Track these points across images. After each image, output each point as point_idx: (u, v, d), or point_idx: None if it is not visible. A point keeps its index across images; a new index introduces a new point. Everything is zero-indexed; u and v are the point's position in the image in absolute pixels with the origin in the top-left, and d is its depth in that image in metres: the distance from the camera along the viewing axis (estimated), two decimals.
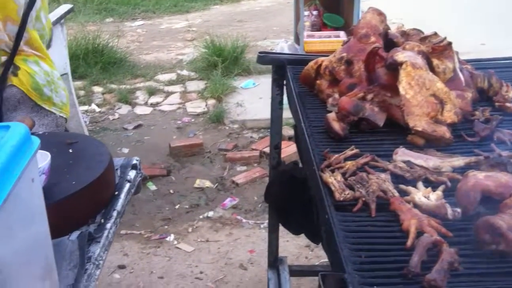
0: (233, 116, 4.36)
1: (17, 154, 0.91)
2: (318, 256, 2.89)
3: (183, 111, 4.56)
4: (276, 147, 1.94)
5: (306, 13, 4.25)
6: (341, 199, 1.13)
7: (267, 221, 3.23)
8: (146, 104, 4.69)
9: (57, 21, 3.45)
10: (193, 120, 4.41)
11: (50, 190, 1.28)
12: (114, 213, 1.40)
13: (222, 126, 4.28)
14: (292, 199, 1.96)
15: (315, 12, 4.34)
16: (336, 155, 1.27)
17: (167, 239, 3.10)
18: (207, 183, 3.59)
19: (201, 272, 2.84)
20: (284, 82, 1.85)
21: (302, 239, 2.82)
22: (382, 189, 1.15)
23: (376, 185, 1.15)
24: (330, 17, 4.37)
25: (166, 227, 3.20)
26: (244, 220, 3.23)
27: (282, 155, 3.69)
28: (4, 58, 1.77)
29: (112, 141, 4.06)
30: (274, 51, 4.40)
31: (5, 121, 1.79)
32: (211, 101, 4.60)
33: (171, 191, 3.52)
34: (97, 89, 4.85)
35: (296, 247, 2.93)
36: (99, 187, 1.39)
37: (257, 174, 3.62)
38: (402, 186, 1.17)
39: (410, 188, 1.16)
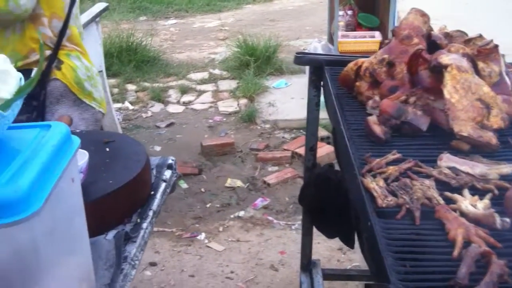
0: (265, 115, 4.34)
1: (58, 153, 0.91)
2: (350, 259, 2.85)
3: (215, 110, 4.56)
4: (311, 149, 1.91)
5: (341, 12, 4.20)
6: (384, 205, 1.09)
7: (298, 222, 3.22)
8: (178, 102, 4.71)
9: (92, 19, 3.48)
10: (224, 119, 4.41)
11: (87, 189, 1.27)
12: (150, 213, 1.39)
13: (254, 125, 4.26)
14: (327, 202, 1.92)
15: (349, 12, 4.29)
16: (378, 160, 1.24)
17: (198, 237, 3.10)
18: (238, 183, 3.58)
19: (231, 272, 2.83)
20: (322, 83, 1.82)
21: (334, 242, 2.78)
22: (427, 196, 1.11)
23: (420, 192, 1.11)
24: (365, 17, 4.31)
25: (197, 225, 3.20)
26: (275, 221, 3.21)
27: None
28: (48, 53, 1.80)
29: (145, 139, 4.08)
30: (310, 51, 4.36)
31: (47, 114, 1.83)
32: (243, 101, 4.59)
33: (203, 189, 3.52)
34: (131, 87, 4.89)
35: (327, 250, 2.89)
36: (136, 186, 1.38)
37: (288, 174, 3.59)
38: (448, 194, 1.13)
39: (456, 196, 1.12)
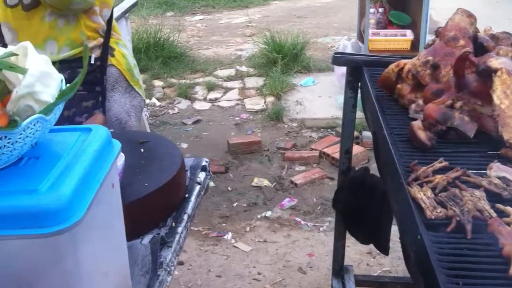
0: (292, 114, 4.29)
1: (99, 158, 0.88)
2: (380, 263, 2.79)
3: (242, 107, 4.52)
4: (347, 152, 1.87)
5: (372, 10, 4.12)
6: (433, 217, 1.04)
7: (326, 224, 3.17)
8: (205, 99, 4.69)
9: (122, 15, 3.47)
10: (251, 117, 4.37)
11: (122, 191, 1.25)
12: (185, 217, 1.36)
13: (281, 124, 4.22)
14: (362, 206, 1.88)
15: (381, 10, 4.21)
16: (424, 168, 1.19)
17: (225, 237, 3.07)
18: (265, 182, 3.54)
19: (259, 273, 2.79)
20: (359, 84, 1.77)
21: (363, 245, 2.73)
22: (478, 208, 1.05)
23: (471, 204, 1.05)
24: (396, 15, 4.23)
25: (223, 224, 3.18)
26: (302, 222, 3.17)
27: None
28: (101, 40, 1.87)
29: (171, 136, 4.07)
30: (339, 49, 4.29)
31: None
32: (270, 98, 4.54)
33: (229, 188, 3.49)
34: (158, 83, 4.89)
35: (357, 253, 2.84)
36: (171, 189, 1.36)
37: (316, 175, 3.54)
38: (500, 206, 1.07)
39: (509, 209, 1.06)
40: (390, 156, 1.25)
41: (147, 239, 1.24)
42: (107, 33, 1.90)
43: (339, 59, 1.72)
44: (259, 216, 3.23)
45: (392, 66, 1.56)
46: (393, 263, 2.78)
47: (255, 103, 4.54)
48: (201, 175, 1.55)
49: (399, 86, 1.54)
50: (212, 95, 4.73)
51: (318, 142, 3.90)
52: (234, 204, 3.35)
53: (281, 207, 3.31)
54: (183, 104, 4.60)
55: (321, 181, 3.50)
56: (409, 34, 4.03)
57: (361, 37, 4.30)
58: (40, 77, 0.82)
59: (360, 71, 1.71)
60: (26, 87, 0.80)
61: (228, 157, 3.83)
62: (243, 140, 3.94)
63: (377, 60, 1.70)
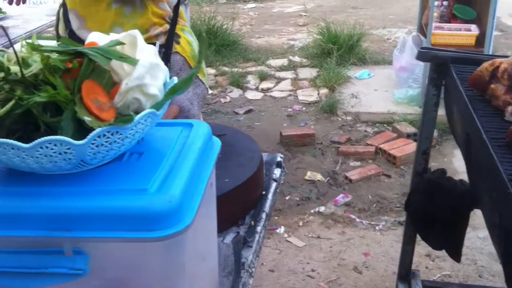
0: (347, 107, 4.19)
1: (202, 156, 0.83)
2: (439, 267, 2.69)
3: (294, 98, 4.44)
4: (424, 153, 1.77)
5: (436, 3, 3.96)
6: None
7: (382, 223, 3.07)
8: (257, 89, 4.63)
9: (182, 1, 3.43)
10: (304, 108, 4.29)
11: None
12: (263, 215, 1.31)
13: (335, 117, 4.12)
14: (436, 211, 1.78)
15: (445, 3, 4.05)
16: None
17: (277, 231, 3.01)
18: (319, 176, 3.47)
19: (312, 270, 2.73)
20: (443, 82, 1.67)
21: (422, 247, 2.63)
22: None
23: None
24: (460, 9, 4.06)
25: (276, 218, 3.12)
26: (357, 220, 3.08)
27: (399, 153, 3.52)
28: (167, 27, 1.84)
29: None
30: (399, 43, 4.16)
31: None
32: (324, 90, 4.45)
33: (281, 181, 3.43)
34: (210, 71, 4.85)
35: (415, 256, 2.72)
36: (251, 186, 1.31)
37: (372, 171, 3.44)
38: None
39: None
40: (491, 163, 1.16)
41: (228, 238, 1.19)
42: (174, 19, 1.87)
43: (424, 54, 1.62)
44: (312, 211, 3.16)
45: (485, 64, 1.46)
46: (453, 268, 2.68)
47: (308, 94, 4.45)
48: (277, 172, 1.50)
49: (492, 86, 1.44)
50: (264, 84, 4.67)
51: (373, 137, 3.80)
52: (287, 198, 3.29)
53: (335, 203, 3.23)
54: (235, 93, 4.56)
55: (377, 178, 3.40)
56: (473, 29, 3.86)
57: (422, 30, 4.15)
58: (149, 69, 0.77)
59: (446, 68, 1.62)
60: (137, 79, 0.75)
61: (281, 149, 3.76)
62: (296, 132, 3.86)
63: (466, 57, 1.60)
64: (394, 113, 4.01)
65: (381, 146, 3.62)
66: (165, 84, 0.82)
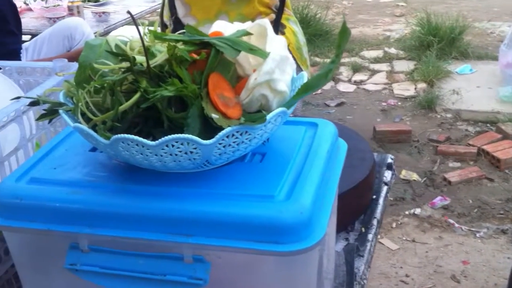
0: (446, 103, 3.96)
1: (329, 161, 0.75)
2: None
3: (389, 92, 4.26)
4: None
5: None
6: None
7: (484, 230, 2.86)
8: (349, 81, 4.49)
9: None
10: (399, 103, 4.10)
11: None
12: (375, 222, 1.22)
13: (433, 113, 3.91)
14: None
15: None
16: None
17: None
18: (414, 176, 3.30)
19: (406, 276, 2.60)
20: None
21: None
22: None
23: None
24: None
25: None
26: (456, 225, 2.90)
27: (504, 156, 3.27)
28: (273, 16, 1.80)
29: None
30: (508, 37, 3.87)
31: None
32: (422, 85, 4.23)
33: (392, 184, 3.29)
34: None
35: None
36: (363, 189, 1.21)
37: (473, 174, 3.22)
38: None
39: None
40: None
41: (339, 245, 1.11)
42: (280, 9, 1.81)
43: None
44: (407, 213, 3.01)
45: None
46: None
47: (405, 88, 4.25)
48: (387, 174, 1.39)
49: None
50: (358, 77, 4.52)
51: (475, 138, 3.57)
52: None
53: (432, 205, 3.05)
54: (327, 84, 4.44)
55: (478, 181, 3.19)
56: None
57: None
58: (279, 63, 0.70)
59: None
60: (266, 74, 0.68)
61: (374, 144, 3.62)
62: (391, 128, 3.70)
63: None
64: (499, 112, 3.74)
65: (484, 147, 3.38)
66: (292, 80, 0.75)
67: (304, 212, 0.63)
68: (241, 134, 0.65)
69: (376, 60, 4.74)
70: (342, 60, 4.78)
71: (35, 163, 0.78)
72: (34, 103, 0.73)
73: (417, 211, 3.01)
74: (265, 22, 0.73)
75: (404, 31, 5.09)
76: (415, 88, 4.22)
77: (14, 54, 2.58)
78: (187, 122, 0.65)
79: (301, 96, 0.67)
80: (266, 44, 0.71)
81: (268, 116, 0.64)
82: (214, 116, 0.65)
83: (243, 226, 0.63)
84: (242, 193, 0.67)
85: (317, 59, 4.78)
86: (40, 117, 0.73)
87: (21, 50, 2.87)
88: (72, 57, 2.56)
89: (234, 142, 0.65)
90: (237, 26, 0.76)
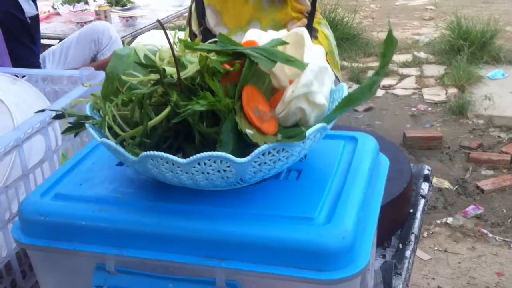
0: (478, 109, 3.85)
1: (371, 178, 0.70)
2: None
3: (419, 97, 4.17)
4: None
5: None
6: None
7: None
8: (378, 85, 4.40)
9: None
10: (429, 108, 4.01)
11: None
12: (412, 237, 1.16)
13: (464, 119, 3.80)
14: None
15: None
16: None
17: None
18: (446, 184, 3.20)
19: (439, 287, 2.51)
20: None
21: None
22: None
23: None
24: None
25: None
26: (490, 235, 2.80)
27: None
28: (305, 21, 1.75)
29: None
30: None
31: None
32: (452, 90, 4.13)
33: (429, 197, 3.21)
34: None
35: None
36: (400, 203, 1.16)
37: (507, 182, 3.12)
38: None
39: None
40: None
41: (376, 263, 1.05)
42: (311, 14, 1.77)
43: None
44: (438, 222, 2.93)
45: None
46: None
47: (435, 93, 4.15)
48: (424, 186, 1.33)
49: None
50: (386, 81, 4.43)
51: (508, 144, 3.46)
52: None
53: (465, 214, 2.96)
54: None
55: None
56: None
57: None
58: (318, 74, 0.65)
59: None
60: (304, 86, 0.64)
61: (404, 151, 3.53)
62: (422, 134, 3.61)
63: None
64: None
65: None
66: (331, 92, 0.70)
67: (347, 236, 0.58)
68: (277, 152, 0.60)
69: (405, 65, 4.65)
70: (370, 65, 4.70)
71: (60, 178, 0.74)
72: (59, 116, 0.69)
73: (449, 220, 2.92)
74: (302, 31, 0.68)
75: (433, 35, 4.98)
76: (446, 93, 4.12)
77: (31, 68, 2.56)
78: (220, 138, 0.60)
79: (342, 111, 0.62)
80: (303, 54, 0.66)
81: (308, 132, 0.60)
82: (249, 131, 0.60)
83: (280, 250, 0.59)
84: (279, 214, 0.62)
85: (345, 63, 4.70)
86: (66, 131, 0.69)
87: (42, 60, 2.86)
88: (100, 66, 2.54)
89: (270, 160, 0.60)
90: (272, 35, 0.71)
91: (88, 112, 0.70)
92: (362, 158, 0.71)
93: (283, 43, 0.68)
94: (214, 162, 0.59)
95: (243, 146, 0.62)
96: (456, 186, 3.17)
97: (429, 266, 2.63)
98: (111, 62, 0.69)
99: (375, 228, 0.63)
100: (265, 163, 0.61)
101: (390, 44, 0.61)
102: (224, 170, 0.60)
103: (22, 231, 0.69)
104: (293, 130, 0.64)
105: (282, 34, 0.71)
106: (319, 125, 0.61)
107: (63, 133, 0.70)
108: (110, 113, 0.64)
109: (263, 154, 0.59)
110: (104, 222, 0.66)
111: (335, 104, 0.70)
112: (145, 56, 0.70)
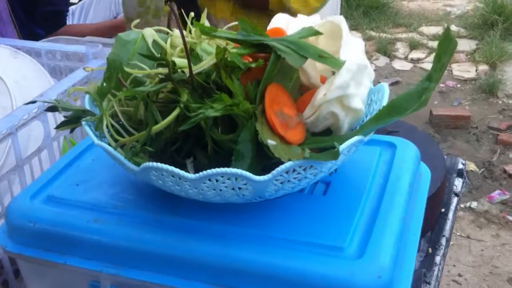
0: (510, 89, 3.67)
1: (410, 197, 0.60)
2: None
3: (448, 73, 3.99)
4: None
5: None
6: None
7: None
8: (406, 58, 4.23)
9: None
10: (458, 85, 3.83)
11: None
12: (443, 241, 1.06)
13: (494, 98, 3.63)
14: None
15: None
16: None
17: None
18: (472, 166, 3.07)
19: (459, 275, 2.42)
20: None
21: None
22: None
23: None
24: None
25: None
26: None
27: None
28: None
29: None
30: None
31: None
32: (483, 67, 3.94)
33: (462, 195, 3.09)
34: (356, 34, 4.52)
35: None
36: (433, 203, 1.05)
37: None
38: None
39: None
40: None
41: None
42: None
43: None
44: (462, 206, 2.81)
45: None
46: None
47: (465, 70, 3.97)
48: (457, 183, 1.22)
49: None
50: (415, 54, 4.25)
51: None
52: None
53: (490, 199, 2.84)
54: (381, 61, 4.20)
55: None
56: None
57: None
58: (356, 74, 0.55)
59: None
60: (339, 89, 0.53)
61: (429, 129, 3.40)
62: (449, 112, 3.46)
63: None
64: None
65: None
66: (369, 92, 0.60)
67: (383, 275, 0.48)
68: (304, 170, 0.50)
69: (435, 37, 4.44)
70: (399, 36, 4.51)
71: (55, 176, 0.66)
72: (52, 109, 0.60)
73: (473, 204, 2.80)
74: (340, 20, 0.57)
75: (466, 7, 4.75)
76: (476, 70, 3.93)
77: (60, 16, 2.47)
78: (237, 149, 0.50)
79: (383, 123, 0.51)
80: (339, 48, 0.55)
81: (341, 148, 0.49)
82: (271, 143, 0.50)
83: (302, 285, 0.50)
84: (301, 239, 0.52)
85: (373, 33, 4.52)
86: (59, 126, 0.60)
87: (68, 14, 2.78)
88: (118, 26, 2.45)
89: (295, 178, 0.51)
90: (303, 22, 0.60)
91: (87, 105, 0.60)
92: (401, 172, 0.60)
93: (316, 33, 0.57)
94: (228, 179, 0.49)
95: (264, 157, 0.52)
96: (482, 169, 3.04)
97: (451, 252, 2.53)
98: (114, 49, 0.59)
99: (414, 261, 0.53)
100: (288, 181, 0.51)
101: (447, 45, 0.50)
102: (240, 188, 0.50)
103: (9, 237, 0.61)
104: (323, 140, 0.54)
105: (314, 21, 0.60)
106: (355, 138, 0.50)
107: (57, 127, 0.61)
108: (108, 111, 0.55)
109: (287, 172, 0.49)
110: (100, 235, 0.57)
111: (372, 106, 0.59)
112: (154, 42, 0.60)
